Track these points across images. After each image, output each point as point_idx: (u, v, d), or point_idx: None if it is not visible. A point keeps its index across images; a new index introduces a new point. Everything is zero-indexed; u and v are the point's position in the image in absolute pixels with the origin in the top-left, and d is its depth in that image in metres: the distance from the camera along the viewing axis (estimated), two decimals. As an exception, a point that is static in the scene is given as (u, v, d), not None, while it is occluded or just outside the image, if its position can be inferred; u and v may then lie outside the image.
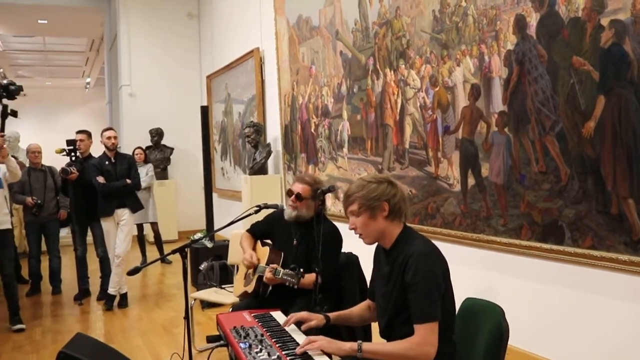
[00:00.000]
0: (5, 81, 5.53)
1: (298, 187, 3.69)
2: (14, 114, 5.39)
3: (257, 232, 4.03)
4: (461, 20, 4.09)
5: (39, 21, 13.88)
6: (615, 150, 3.02)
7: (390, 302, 2.47)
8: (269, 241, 4.01)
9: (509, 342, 3.72)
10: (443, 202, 4.39)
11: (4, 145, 5.39)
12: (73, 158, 6.50)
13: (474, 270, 4.16)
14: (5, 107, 5.34)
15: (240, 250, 3.98)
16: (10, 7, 12.42)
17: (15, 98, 5.47)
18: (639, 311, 3.01)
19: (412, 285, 2.33)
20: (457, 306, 2.58)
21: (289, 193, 3.74)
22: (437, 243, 4.28)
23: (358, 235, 2.54)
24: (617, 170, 3.03)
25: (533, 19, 3.49)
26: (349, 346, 2.35)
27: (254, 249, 3.94)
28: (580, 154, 3.24)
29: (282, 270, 3.35)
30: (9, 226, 5.70)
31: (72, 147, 6.53)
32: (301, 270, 3.25)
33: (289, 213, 3.74)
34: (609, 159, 3.06)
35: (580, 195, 3.25)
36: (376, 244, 2.60)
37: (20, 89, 5.52)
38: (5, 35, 15.87)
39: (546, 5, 3.39)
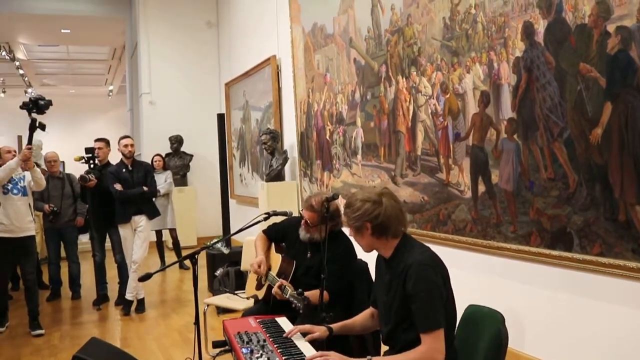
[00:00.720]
0: (34, 95, 5.71)
1: (306, 215, 3.72)
2: (42, 127, 5.59)
3: (273, 235, 4.07)
4: (470, 28, 4.10)
5: (62, 30, 14.12)
6: (623, 157, 3.01)
7: (391, 310, 2.50)
8: (283, 244, 4.04)
9: (517, 349, 3.75)
10: (454, 209, 4.39)
11: (30, 157, 5.52)
12: (92, 166, 6.62)
13: (485, 277, 4.15)
14: (34, 120, 5.51)
15: (254, 256, 4.00)
16: (34, 18, 12.68)
17: (45, 112, 5.68)
18: (647, 319, 2.99)
19: (414, 295, 2.36)
20: (459, 313, 2.59)
21: (302, 215, 3.78)
22: (448, 250, 4.36)
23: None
24: (624, 177, 3.01)
25: (541, 26, 3.50)
26: None
27: (267, 251, 3.98)
28: (588, 161, 3.23)
29: (289, 290, 3.36)
30: (32, 233, 5.85)
31: (90, 155, 6.66)
32: (307, 298, 3.24)
33: (303, 235, 3.78)
34: (617, 166, 3.05)
35: (589, 202, 3.24)
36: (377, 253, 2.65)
37: (49, 103, 5.73)
38: (30, 44, 16.15)
39: (553, 12, 3.39)
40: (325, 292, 3.31)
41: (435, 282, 2.37)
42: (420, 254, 2.45)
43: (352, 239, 2.85)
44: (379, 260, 2.70)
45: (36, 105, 5.63)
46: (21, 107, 5.63)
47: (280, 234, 4.05)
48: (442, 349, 2.32)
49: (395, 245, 2.54)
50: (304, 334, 2.72)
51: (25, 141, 5.51)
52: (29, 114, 5.53)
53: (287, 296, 3.34)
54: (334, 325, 2.80)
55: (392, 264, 2.52)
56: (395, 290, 2.45)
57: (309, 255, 3.78)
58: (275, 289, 3.51)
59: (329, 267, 3.53)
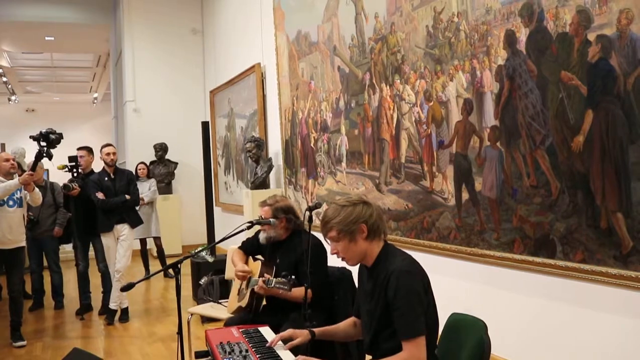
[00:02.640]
0: (45, 130, 5.86)
1: (262, 213, 3.81)
2: (50, 157, 5.80)
3: (248, 249, 4.08)
4: (453, 36, 4.12)
5: (46, 38, 14.05)
6: (604, 164, 3.03)
7: (374, 318, 2.49)
8: (260, 257, 4.03)
9: (501, 356, 3.75)
10: (438, 217, 4.40)
11: (30, 182, 5.55)
12: (75, 174, 6.57)
13: (469, 284, 4.16)
14: (41, 151, 5.65)
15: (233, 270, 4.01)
16: (17, 25, 12.60)
17: (55, 147, 5.87)
18: (629, 325, 3.00)
19: (395, 303, 2.36)
20: (442, 321, 2.59)
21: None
22: (432, 257, 4.36)
23: (341, 259, 2.57)
24: (605, 184, 3.03)
25: (522, 34, 3.52)
26: None
27: (246, 262, 3.98)
28: (570, 168, 3.25)
29: (274, 279, 3.37)
30: (24, 244, 5.80)
31: (74, 164, 6.61)
32: (292, 277, 3.27)
33: (262, 237, 3.85)
34: (598, 173, 3.07)
35: (571, 209, 3.26)
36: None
37: (60, 137, 5.92)
38: (13, 52, 16.05)
39: (535, 20, 3.42)
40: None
41: (416, 289, 2.37)
42: (402, 261, 2.45)
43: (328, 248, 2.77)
44: (361, 269, 2.69)
45: (47, 139, 5.79)
46: (31, 138, 5.84)
47: (255, 245, 4.05)
48: (422, 357, 2.32)
49: (378, 252, 2.53)
50: (287, 341, 2.71)
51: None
52: (39, 145, 5.72)
53: (272, 285, 3.35)
54: (317, 330, 2.79)
55: (374, 273, 2.52)
56: (378, 298, 2.45)
57: (278, 261, 3.79)
58: (259, 285, 3.53)
59: (301, 266, 3.55)
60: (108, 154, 6.37)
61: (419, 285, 2.39)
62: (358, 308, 2.76)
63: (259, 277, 3.69)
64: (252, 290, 3.66)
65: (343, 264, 3.74)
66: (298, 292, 3.39)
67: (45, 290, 7.47)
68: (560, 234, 3.32)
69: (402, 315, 2.34)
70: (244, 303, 3.79)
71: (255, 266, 3.86)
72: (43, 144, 5.69)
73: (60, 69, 18.38)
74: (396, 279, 2.36)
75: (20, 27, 12.79)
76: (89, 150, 6.71)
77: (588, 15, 3.08)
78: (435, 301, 2.49)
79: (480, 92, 3.89)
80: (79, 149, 6.71)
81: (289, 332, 2.76)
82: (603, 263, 3.07)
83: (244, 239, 4.15)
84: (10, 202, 5.58)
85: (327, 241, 2.60)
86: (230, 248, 4.93)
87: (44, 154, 5.63)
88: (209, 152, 7.86)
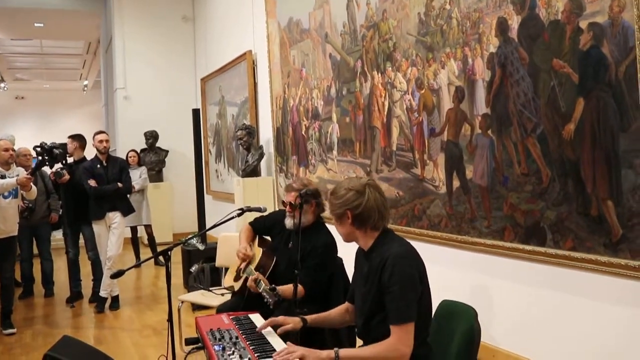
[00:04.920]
0: (50, 144, 6.00)
1: (289, 197, 3.73)
2: (51, 167, 6.08)
3: (259, 227, 4.07)
4: (445, 23, 4.11)
5: (36, 24, 13.89)
6: (595, 153, 3.04)
7: (367, 302, 2.51)
8: (268, 238, 4.02)
9: (491, 343, 3.77)
10: (429, 204, 4.40)
11: (28, 184, 5.55)
12: (64, 162, 6.51)
13: (460, 272, 4.17)
14: (42, 162, 5.83)
15: (228, 253, 4.00)
16: (6, 11, 12.44)
17: (58, 162, 6.05)
18: (619, 312, 3.02)
19: (389, 287, 2.37)
20: (434, 308, 2.60)
21: (284, 204, 3.77)
22: (423, 245, 4.36)
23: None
24: (596, 172, 3.04)
25: (515, 22, 3.51)
26: (326, 354, 2.35)
27: (253, 241, 3.98)
28: (560, 156, 3.25)
29: (263, 284, 3.34)
30: (16, 233, 5.76)
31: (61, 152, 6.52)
32: (279, 293, 3.24)
33: (288, 223, 3.76)
34: (589, 161, 3.07)
35: (561, 197, 3.26)
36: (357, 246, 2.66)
37: (65, 152, 6.08)
38: (2, 38, 15.88)
39: (527, 8, 3.41)
40: (300, 286, 3.32)
41: (411, 275, 2.38)
42: (399, 247, 2.47)
43: (333, 230, 2.85)
44: (358, 252, 2.72)
45: (50, 154, 5.90)
46: (35, 150, 5.98)
47: (267, 226, 4.05)
48: (409, 343, 2.34)
49: (374, 237, 2.55)
50: (278, 328, 2.71)
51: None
52: (42, 158, 5.87)
53: (260, 290, 3.33)
54: (309, 317, 2.80)
55: (370, 257, 2.54)
56: (372, 282, 2.47)
57: (290, 245, 3.76)
58: (250, 282, 3.50)
59: (309, 260, 3.53)
60: (101, 141, 6.33)
61: (414, 271, 2.40)
62: (352, 293, 2.77)
63: (257, 266, 3.69)
64: (246, 278, 3.66)
65: (340, 255, 3.79)
66: (288, 291, 3.35)
67: (35, 278, 7.44)
68: (551, 222, 3.33)
69: (394, 300, 2.35)
70: (237, 287, 3.79)
71: (256, 253, 3.86)
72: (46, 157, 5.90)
73: (50, 55, 18.20)
74: (392, 264, 2.38)
75: (9, 12, 12.63)
76: (77, 137, 6.66)
77: (580, 3, 3.07)
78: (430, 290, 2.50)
79: (472, 79, 3.89)
80: (69, 137, 6.67)
81: (280, 318, 2.76)
82: (593, 251, 3.08)
83: (256, 217, 4.11)
84: (6, 193, 5.54)
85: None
86: (222, 235, 4.93)
87: (46, 163, 5.69)
88: (199, 140, 7.82)
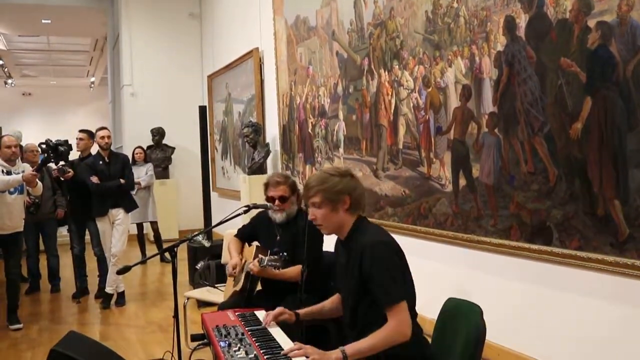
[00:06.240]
0: (55, 141, 6.03)
1: (278, 191, 3.74)
2: (56, 163, 6.05)
3: (244, 236, 4.07)
4: (453, 22, 4.10)
5: (43, 21, 13.92)
6: (602, 152, 3.03)
7: (350, 292, 2.53)
8: (257, 243, 4.03)
9: (497, 342, 3.76)
10: (435, 203, 4.40)
11: (34, 180, 5.55)
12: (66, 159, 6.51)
13: (465, 270, 4.17)
14: (47, 159, 5.88)
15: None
16: (14, 7, 12.48)
17: (63, 158, 6.04)
18: (624, 312, 3.01)
19: (372, 274, 2.39)
20: (439, 307, 2.60)
21: (271, 200, 3.76)
22: (429, 243, 4.37)
23: (317, 225, 2.62)
24: (603, 171, 3.03)
25: (522, 20, 3.50)
26: (334, 356, 2.34)
27: (242, 251, 3.98)
28: (567, 155, 3.24)
29: (266, 257, 3.38)
30: (22, 229, 5.79)
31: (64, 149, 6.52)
32: (284, 254, 3.27)
33: (279, 218, 3.77)
34: (596, 161, 3.06)
35: (568, 196, 3.25)
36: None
37: (69, 149, 6.09)
38: (9, 35, 15.93)
39: (535, 6, 3.40)
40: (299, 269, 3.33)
41: (391, 257, 2.42)
42: (374, 234, 2.50)
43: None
44: (337, 243, 2.74)
45: (55, 151, 5.93)
46: (40, 146, 6.05)
47: (250, 231, 4.06)
48: (408, 321, 2.36)
49: (351, 225, 2.57)
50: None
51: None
52: (48, 155, 5.91)
53: (265, 264, 3.36)
54: (301, 311, 2.83)
55: (349, 245, 2.56)
56: (352, 271, 2.49)
57: (277, 238, 3.78)
58: (251, 265, 3.54)
59: (297, 249, 3.55)
60: (103, 137, 6.33)
61: (394, 253, 2.45)
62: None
63: (253, 259, 3.70)
64: (247, 273, 3.66)
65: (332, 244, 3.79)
66: (293, 272, 3.39)
67: (41, 274, 7.47)
68: (557, 221, 3.32)
69: (382, 285, 2.37)
70: (238, 287, 3.79)
71: (250, 251, 3.86)
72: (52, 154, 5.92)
73: (57, 52, 18.25)
74: (371, 251, 2.41)
75: (16, 9, 12.67)
76: (89, 133, 6.64)
77: (588, 2, 3.06)
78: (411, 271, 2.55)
79: (479, 78, 3.88)
80: (79, 131, 6.66)
81: (279, 310, 2.79)
82: (599, 250, 3.07)
83: (240, 227, 4.14)
84: (12, 189, 5.55)
85: (306, 205, 2.64)
86: (227, 232, 4.93)
87: (52, 160, 5.71)
88: (206, 137, 7.83)
